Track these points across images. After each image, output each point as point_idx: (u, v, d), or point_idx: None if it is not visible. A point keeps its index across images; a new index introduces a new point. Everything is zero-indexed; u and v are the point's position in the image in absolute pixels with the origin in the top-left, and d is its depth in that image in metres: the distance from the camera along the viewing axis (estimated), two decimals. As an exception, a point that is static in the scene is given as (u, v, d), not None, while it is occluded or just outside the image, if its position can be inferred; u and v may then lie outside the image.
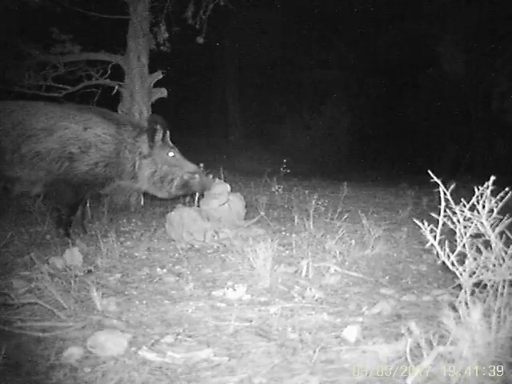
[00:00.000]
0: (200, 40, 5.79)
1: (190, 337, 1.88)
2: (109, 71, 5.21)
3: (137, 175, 3.83)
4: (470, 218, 1.76)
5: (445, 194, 1.79)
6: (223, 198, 3.83)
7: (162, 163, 3.82)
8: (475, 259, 1.72)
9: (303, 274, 2.67)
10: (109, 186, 3.85)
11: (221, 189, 3.94)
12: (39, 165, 3.59)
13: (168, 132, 3.88)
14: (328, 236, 3.36)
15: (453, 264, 1.76)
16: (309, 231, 3.62)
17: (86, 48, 5.25)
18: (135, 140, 3.81)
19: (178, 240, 3.55)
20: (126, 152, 3.79)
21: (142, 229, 4.02)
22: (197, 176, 3.89)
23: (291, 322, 2.01)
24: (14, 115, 3.62)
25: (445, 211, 1.77)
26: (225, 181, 4.20)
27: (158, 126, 3.77)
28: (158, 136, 3.78)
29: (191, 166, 3.90)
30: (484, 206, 1.73)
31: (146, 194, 4.46)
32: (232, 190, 4.05)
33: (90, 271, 2.76)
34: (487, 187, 1.73)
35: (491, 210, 1.73)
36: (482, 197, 1.74)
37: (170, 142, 3.91)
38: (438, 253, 1.79)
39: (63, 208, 3.74)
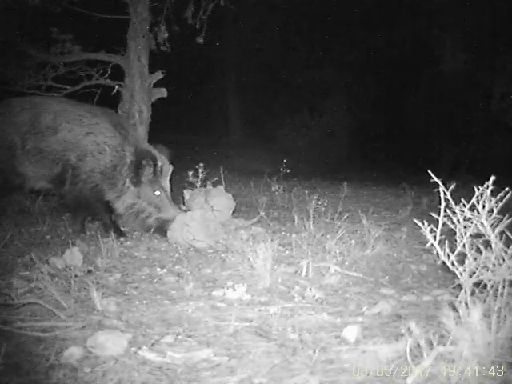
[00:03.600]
0: (200, 40, 5.79)
1: (189, 337, 1.88)
2: (109, 71, 5.21)
3: (119, 198, 3.70)
4: (469, 218, 1.76)
5: (445, 193, 1.80)
6: (204, 209, 3.68)
7: (144, 199, 3.66)
8: (475, 259, 1.72)
9: (303, 274, 2.68)
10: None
11: (196, 204, 3.81)
12: (42, 162, 3.65)
13: (165, 168, 3.69)
14: (328, 236, 3.36)
15: (453, 264, 1.76)
16: (309, 231, 3.62)
17: (86, 48, 5.26)
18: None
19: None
20: (124, 169, 3.67)
21: (142, 229, 4.02)
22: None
23: (291, 322, 2.01)
24: (24, 113, 3.65)
25: (445, 211, 1.78)
26: (224, 181, 4.18)
27: (146, 163, 3.57)
28: (147, 172, 3.59)
29: (171, 212, 3.63)
30: (484, 206, 1.73)
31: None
32: (230, 190, 4.00)
33: (90, 271, 2.76)
34: (487, 187, 1.73)
35: (491, 210, 1.73)
36: (482, 197, 1.74)
37: (165, 183, 3.71)
38: (437, 253, 1.79)
39: (99, 214, 3.81)
